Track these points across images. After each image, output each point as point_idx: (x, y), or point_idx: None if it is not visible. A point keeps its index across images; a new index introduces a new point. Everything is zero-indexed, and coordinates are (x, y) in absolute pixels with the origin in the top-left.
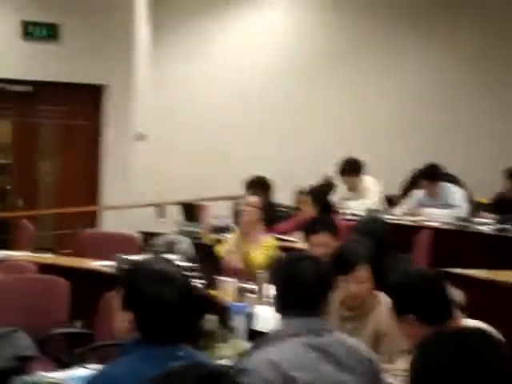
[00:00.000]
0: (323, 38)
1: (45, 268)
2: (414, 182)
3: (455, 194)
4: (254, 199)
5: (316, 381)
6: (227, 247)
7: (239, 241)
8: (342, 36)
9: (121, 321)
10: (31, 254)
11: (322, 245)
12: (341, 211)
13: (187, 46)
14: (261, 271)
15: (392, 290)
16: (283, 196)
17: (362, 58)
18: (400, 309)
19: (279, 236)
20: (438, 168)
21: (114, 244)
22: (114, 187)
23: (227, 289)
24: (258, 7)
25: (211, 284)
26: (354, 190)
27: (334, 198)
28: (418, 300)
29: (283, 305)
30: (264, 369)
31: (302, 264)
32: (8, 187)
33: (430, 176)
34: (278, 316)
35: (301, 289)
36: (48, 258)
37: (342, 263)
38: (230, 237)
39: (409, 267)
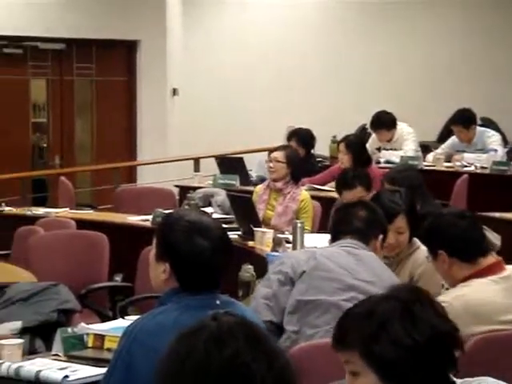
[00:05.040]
0: None
1: (84, 224)
2: (449, 130)
3: (491, 138)
4: (278, 154)
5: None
6: (255, 198)
7: (267, 194)
8: None
9: (157, 272)
10: (70, 211)
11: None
12: (376, 159)
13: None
14: (298, 221)
15: (424, 230)
16: (322, 147)
17: (394, 8)
18: (432, 246)
19: (315, 186)
20: (470, 112)
21: (152, 199)
22: (150, 142)
23: (263, 239)
24: None
25: (247, 235)
26: (389, 142)
27: (369, 146)
28: (447, 233)
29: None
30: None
31: (354, 208)
32: (44, 145)
33: (464, 121)
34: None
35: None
36: (87, 213)
37: None
38: (258, 187)
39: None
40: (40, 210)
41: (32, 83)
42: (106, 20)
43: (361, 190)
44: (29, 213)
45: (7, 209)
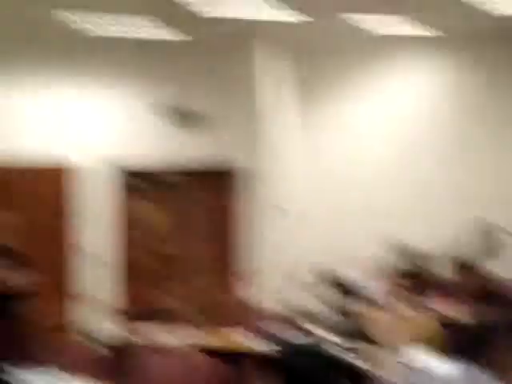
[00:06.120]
0: (465, 96)
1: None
2: None
3: None
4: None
5: None
6: (372, 318)
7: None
8: (484, 92)
9: None
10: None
11: None
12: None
13: (328, 119)
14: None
15: None
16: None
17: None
18: None
19: (437, 308)
20: None
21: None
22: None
23: (378, 359)
24: (401, 73)
25: (359, 354)
26: None
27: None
28: None
29: None
30: None
31: None
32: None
33: None
34: None
35: None
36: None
37: None
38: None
39: None
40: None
41: (150, 212)
42: (207, 151)
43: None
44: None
45: None
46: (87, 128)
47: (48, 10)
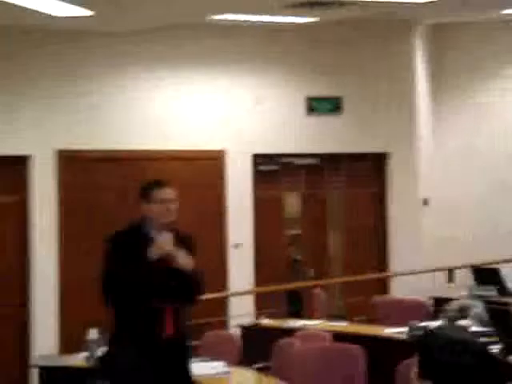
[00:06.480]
0: None
1: (339, 336)
2: None
3: None
4: None
5: None
6: None
7: None
8: None
9: None
10: (326, 323)
11: None
12: None
13: (465, 119)
14: None
15: None
16: None
17: None
18: None
19: None
20: None
21: (406, 310)
22: (401, 253)
23: None
24: None
25: (508, 349)
26: None
27: None
28: None
29: None
30: None
31: None
32: (299, 257)
33: None
34: None
35: None
36: (342, 326)
37: None
38: None
39: None
40: (296, 322)
41: (286, 197)
42: (355, 134)
43: None
44: (286, 325)
45: (265, 321)
46: (225, 114)
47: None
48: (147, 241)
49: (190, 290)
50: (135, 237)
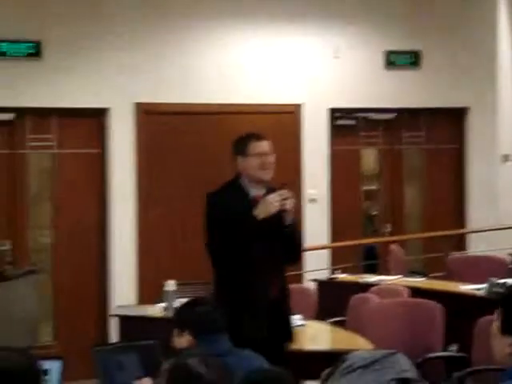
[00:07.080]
0: None
1: (417, 292)
2: None
3: None
4: None
5: None
6: None
7: None
8: None
9: (501, 345)
10: (403, 278)
11: None
12: None
13: None
14: None
15: None
16: None
17: None
18: None
19: None
20: None
21: (484, 267)
22: (480, 209)
23: None
24: None
25: None
26: None
27: None
28: None
29: None
30: None
31: None
32: (375, 213)
33: None
34: None
35: None
36: (419, 282)
37: None
38: None
39: None
40: (372, 278)
41: (363, 152)
42: (435, 89)
43: None
44: (361, 280)
45: (341, 276)
46: (304, 68)
47: None
48: (249, 201)
49: (297, 249)
50: (237, 197)
